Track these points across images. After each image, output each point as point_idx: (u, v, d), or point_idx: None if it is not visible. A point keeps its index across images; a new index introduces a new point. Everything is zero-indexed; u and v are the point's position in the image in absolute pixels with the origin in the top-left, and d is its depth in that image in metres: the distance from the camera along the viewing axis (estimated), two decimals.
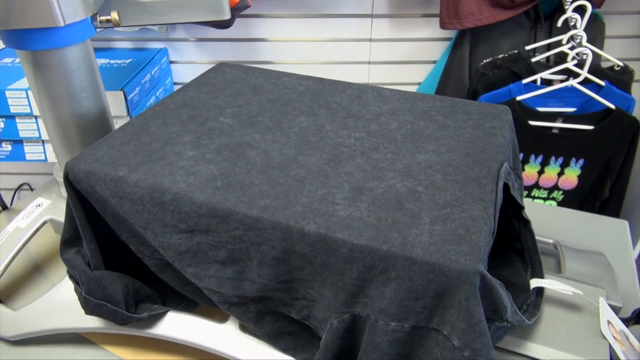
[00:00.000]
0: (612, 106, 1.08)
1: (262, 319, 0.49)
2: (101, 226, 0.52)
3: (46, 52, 0.56)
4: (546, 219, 0.76)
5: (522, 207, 0.54)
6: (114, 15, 0.59)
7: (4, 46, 1.18)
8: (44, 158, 1.05)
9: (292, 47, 1.25)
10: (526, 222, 0.55)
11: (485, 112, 0.58)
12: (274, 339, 0.50)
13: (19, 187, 1.44)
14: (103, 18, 0.59)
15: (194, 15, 0.65)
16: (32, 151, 1.05)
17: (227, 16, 0.66)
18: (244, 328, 0.53)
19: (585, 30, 1.06)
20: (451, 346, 0.39)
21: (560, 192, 1.21)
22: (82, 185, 0.49)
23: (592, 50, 1.05)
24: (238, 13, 1.13)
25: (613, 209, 1.20)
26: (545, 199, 1.23)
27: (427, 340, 0.40)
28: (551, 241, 0.68)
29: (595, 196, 1.20)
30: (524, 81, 1.11)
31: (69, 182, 0.50)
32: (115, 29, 0.94)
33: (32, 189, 1.45)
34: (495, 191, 0.45)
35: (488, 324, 0.40)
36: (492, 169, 0.47)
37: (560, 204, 1.23)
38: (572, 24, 1.07)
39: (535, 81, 1.12)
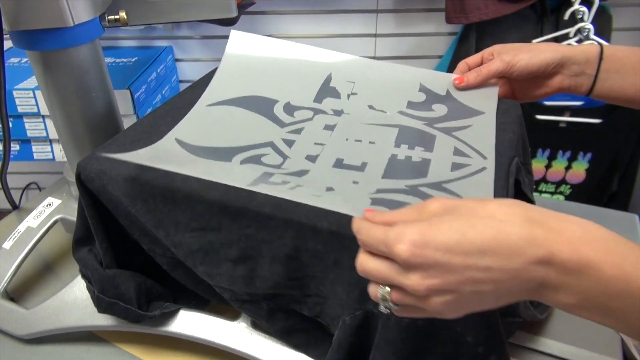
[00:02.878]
0: None
1: (274, 316, 0.49)
2: (113, 225, 0.52)
3: (56, 52, 0.56)
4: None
5: (533, 203, 0.54)
6: (122, 14, 0.59)
7: (10, 46, 1.18)
8: (51, 157, 1.05)
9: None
10: None
11: None
12: (286, 335, 0.51)
13: (27, 187, 1.45)
14: (111, 17, 0.59)
15: (202, 14, 0.65)
16: (39, 150, 1.05)
17: (235, 14, 0.66)
18: (255, 325, 0.53)
19: (592, 22, 1.05)
20: (465, 342, 0.39)
21: (568, 186, 1.21)
22: (94, 185, 0.49)
23: (599, 43, 1.04)
24: (243, 10, 1.13)
25: (621, 202, 1.20)
26: (552, 193, 1.23)
27: (440, 336, 0.40)
28: None
29: (603, 190, 1.19)
30: None
31: (80, 181, 0.50)
32: (121, 27, 0.94)
33: (39, 188, 1.45)
34: (506, 187, 0.45)
35: (501, 319, 0.40)
36: (502, 165, 0.47)
37: (567, 198, 1.23)
38: (580, 16, 1.06)
39: None
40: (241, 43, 0.65)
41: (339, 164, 0.49)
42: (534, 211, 0.31)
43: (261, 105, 0.59)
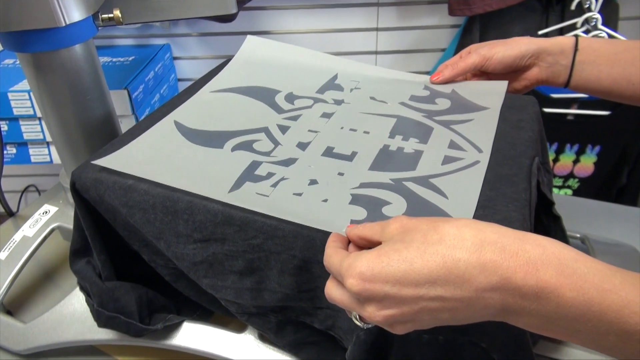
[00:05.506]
0: None
1: (283, 329, 0.47)
2: (111, 235, 0.50)
3: (47, 54, 0.54)
4: (569, 211, 0.73)
5: (552, 203, 0.51)
6: (117, 13, 0.57)
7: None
8: (49, 160, 1.03)
9: (298, 38, 1.22)
10: (556, 219, 0.53)
11: (510, 104, 0.55)
12: (295, 349, 0.48)
13: (25, 189, 1.43)
14: (105, 16, 0.57)
15: (199, 10, 0.62)
16: (37, 153, 1.03)
17: (234, 10, 0.63)
18: (263, 338, 0.51)
19: (599, 12, 1.03)
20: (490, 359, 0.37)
21: (576, 179, 1.19)
22: (90, 194, 0.47)
23: (607, 34, 1.02)
24: (242, 6, 1.10)
25: (630, 196, 1.18)
26: (560, 188, 1.21)
27: (463, 353, 0.38)
28: (578, 235, 0.65)
29: (612, 183, 1.17)
30: None
31: (76, 191, 0.47)
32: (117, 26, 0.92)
33: (38, 191, 1.43)
34: (529, 190, 0.42)
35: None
36: (523, 166, 0.45)
37: (576, 192, 1.21)
38: (587, 6, 1.03)
39: None
40: (255, 46, 0.68)
41: (328, 152, 0.49)
42: (487, 231, 0.29)
43: (264, 94, 0.60)
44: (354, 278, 0.30)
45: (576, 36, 0.57)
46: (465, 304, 0.29)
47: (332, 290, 0.34)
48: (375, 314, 0.31)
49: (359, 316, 0.33)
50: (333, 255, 0.33)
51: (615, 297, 0.27)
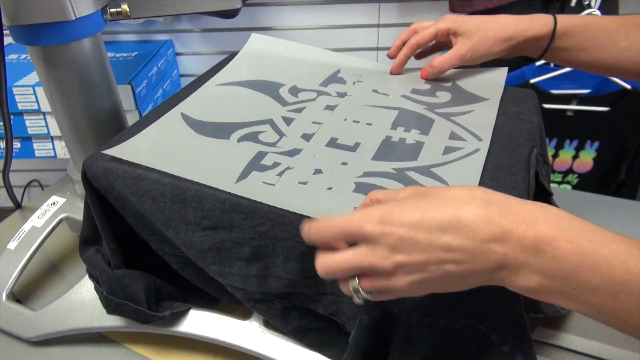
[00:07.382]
0: (628, 86, 1.06)
1: (288, 315, 0.48)
2: (121, 224, 0.51)
3: (57, 47, 0.55)
4: (568, 204, 0.74)
5: (550, 194, 0.52)
6: (125, 7, 0.58)
7: (8, 42, 1.16)
8: (53, 155, 1.04)
9: (299, 35, 1.23)
10: None
11: (510, 97, 0.56)
12: (300, 335, 0.49)
13: (29, 184, 1.44)
14: (113, 10, 0.58)
15: (205, 5, 0.63)
16: (41, 148, 1.04)
17: (239, 5, 0.64)
18: (268, 324, 0.52)
19: (599, 9, 1.04)
20: (489, 342, 0.38)
21: (575, 175, 1.20)
22: (101, 184, 0.48)
23: (554, 23, 1.03)
24: (245, 2, 1.11)
25: (629, 191, 1.19)
26: (560, 183, 1.22)
27: (463, 336, 0.39)
28: None
29: (611, 179, 1.18)
30: (537, 63, 1.09)
31: (87, 180, 0.48)
32: (120, 21, 0.92)
33: (41, 186, 1.44)
34: (527, 179, 0.43)
35: None
36: (522, 156, 0.46)
37: (575, 187, 1.22)
38: (587, 3, 1.04)
39: (548, 63, 1.09)
40: (259, 44, 0.70)
41: (332, 143, 0.50)
42: (495, 194, 0.33)
43: (268, 87, 0.61)
44: (373, 222, 0.33)
45: (554, 25, 0.58)
46: (469, 256, 0.31)
47: (330, 259, 0.35)
48: (386, 258, 0.33)
49: (358, 287, 0.35)
50: (331, 220, 0.34)
51: (606, 249, 0.29)
